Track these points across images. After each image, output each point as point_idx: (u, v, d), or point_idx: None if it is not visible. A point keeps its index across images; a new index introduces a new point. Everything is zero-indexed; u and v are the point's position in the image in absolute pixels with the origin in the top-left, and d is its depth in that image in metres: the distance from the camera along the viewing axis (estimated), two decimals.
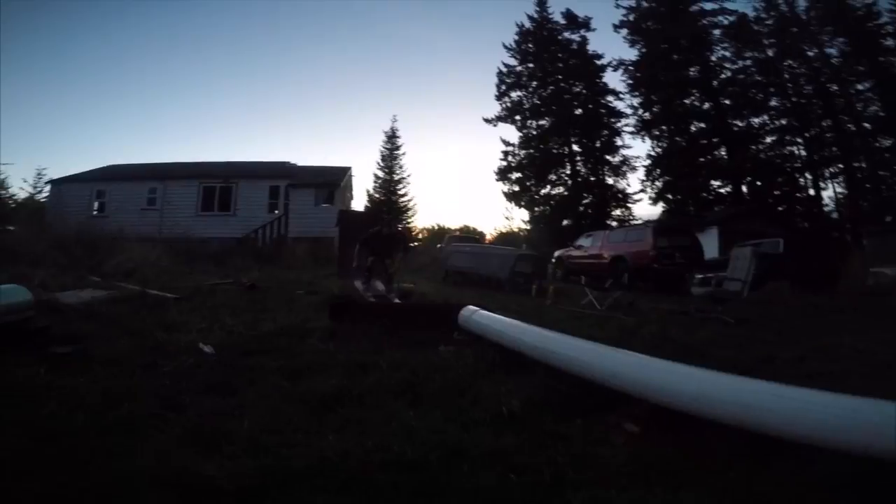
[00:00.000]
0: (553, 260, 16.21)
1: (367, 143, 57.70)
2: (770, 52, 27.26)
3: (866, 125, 24.67)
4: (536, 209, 31.24)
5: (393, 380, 2.71)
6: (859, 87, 24.84)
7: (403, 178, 34.92)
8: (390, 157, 35.51)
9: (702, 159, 27.71)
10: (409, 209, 34.45)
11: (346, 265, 6.84)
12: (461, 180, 73.57)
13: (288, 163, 23.25)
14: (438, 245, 21.52)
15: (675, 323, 6.24)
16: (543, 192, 31.21)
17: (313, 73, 60.58)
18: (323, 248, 16.11)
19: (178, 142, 57.15)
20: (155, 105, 58.95)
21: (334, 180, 20.79)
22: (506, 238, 32.21)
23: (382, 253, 6.92)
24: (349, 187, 24.18)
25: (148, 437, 1.77)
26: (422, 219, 57.62)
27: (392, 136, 35.67)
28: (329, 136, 66.05)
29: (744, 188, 26.92)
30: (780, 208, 25.29)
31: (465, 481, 1.57)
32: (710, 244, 15.88)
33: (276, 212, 20.02)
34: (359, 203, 30.78)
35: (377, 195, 34.35)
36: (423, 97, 65.82)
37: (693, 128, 28.66)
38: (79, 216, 17.08)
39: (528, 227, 31.95)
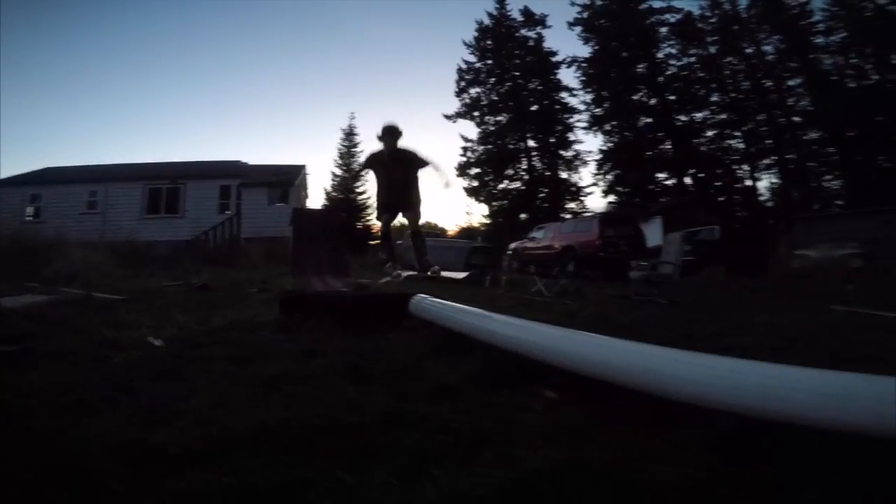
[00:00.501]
0: (509, 252, 16.64)
1: (325, 141, 56.95)
2: (712, 50, 28.76)
3: (796, 119, 26.46)
4: (495, 204, 31.87)
5: (340, 363, 2.86)
6: (791, 83, 26.62)
7: (362, 176, 34.74)
8: (348, 154, 35.27)
9: (648, 153, 29.05)
10: (368, 207, 34.28)
11: (300, 263, 6.85)
12: (422, 177, 73.46)
13: (239, 161, 22.73)
14: (398, 241, 21.58)
15: (615, 306, 6.66)
16: (501, 186, 31.89)
17: (266, 69, 59.20)
18: (278, 248, 15.92)
19: (122, 142, 54.58)
20: (95, 104, 56.07)
21: (288, 179, 20.49)
22: (467, 233, 32.68)
23: (392, 185, 6.06)
24: (304, 186, 23.87)
25: (101, 417, 1.88)
26: None
27: (350, 134, 35.48)
28: (283, 133, 64.70)
29: (687, 180, 28.42)
30: (720, 198, 26.82)
31: (397, 442, 1.75)
32: (654, 233, 16.74)
33: (228, 212, 19.53)
34: (316, 202, 30.44)
35: (335, 193, 34.03)
36: (383, 94, 65.63)
37: (640, 123, 29.92)
38: (11, 222, 16.17)
39: (488, 222, 32.53)
